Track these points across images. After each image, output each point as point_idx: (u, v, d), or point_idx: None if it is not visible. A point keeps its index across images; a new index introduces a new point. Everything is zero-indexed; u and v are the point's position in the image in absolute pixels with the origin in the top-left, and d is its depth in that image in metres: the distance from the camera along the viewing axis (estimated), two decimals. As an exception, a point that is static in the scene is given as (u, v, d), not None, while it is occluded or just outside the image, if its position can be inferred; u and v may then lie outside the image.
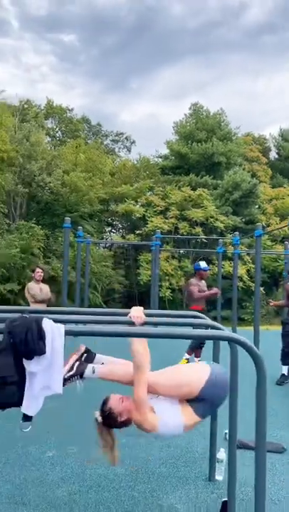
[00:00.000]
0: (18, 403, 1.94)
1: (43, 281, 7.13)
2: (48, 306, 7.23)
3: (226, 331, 2.07)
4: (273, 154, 33.94)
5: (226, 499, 2.59)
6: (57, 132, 30.83)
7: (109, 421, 2.38)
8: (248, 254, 21.43)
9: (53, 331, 1.96)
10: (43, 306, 7.08)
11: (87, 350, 2.54)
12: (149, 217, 22.19)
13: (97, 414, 2.40)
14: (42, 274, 7.03)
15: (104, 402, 2.41)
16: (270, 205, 26.77)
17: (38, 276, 6.97)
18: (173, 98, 54.59)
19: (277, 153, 33.56)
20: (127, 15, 50.29)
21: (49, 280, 18.79)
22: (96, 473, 3.19)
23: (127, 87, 53.27)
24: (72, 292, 16.73)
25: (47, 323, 1.97)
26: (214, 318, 18.14)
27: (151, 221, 21.67)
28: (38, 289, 6.96)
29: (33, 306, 6.93)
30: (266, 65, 55.12)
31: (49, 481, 3.05)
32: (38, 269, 7.05)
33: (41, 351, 1.90)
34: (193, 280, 6.83)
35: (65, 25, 50.67)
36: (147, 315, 2.62)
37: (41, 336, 1.92)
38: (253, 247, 22.54)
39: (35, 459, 3.37)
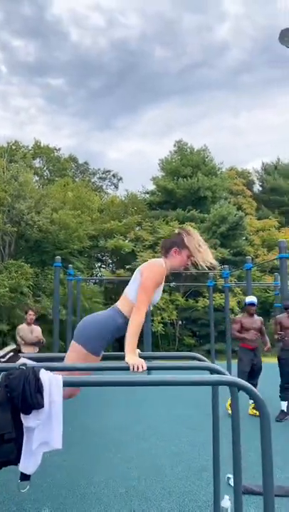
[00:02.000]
0: (16, 461, 1.86)
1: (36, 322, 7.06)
2: (40, 348, 7.10)
3: (229, 376, 2.03)
4: (257, 187, 34.78)
5: None
6: (45, 171, 31.29)
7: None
8: (238, 286, 21.50)
9: (51, 383, 1.91)
10: (33, 349, 6.95)
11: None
12: (138, 252, 22.29)
13: None
14: (34, 317, 6.96)
15: None
16: (257, 237, 27.17)
17: (29, 319, 6.90)
18: (158, 136, 56.28)
19: (261, 186, 34.40)
20: (112, 59, 52.52)
21: (39, 319, 18.58)
22: (96, 528, 3.02)
23: (113, 126, 54.93)
24: (63, 331, 16.42)
25: (44, 374, 1.92)
26: (208, 352, 17.93)
27: (141, 255, 21.75)
28: (28, 331, 6.88)
29: (23, 349, 6.80)
30: (246, 101, 57.47)
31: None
32: (30, 312, 6.98)
33: (39, 405, 1.83)
34: (237, 317, 6.60)
35: (53, 69, 52.65)
36: (144, 357, 2.58)
37: (39, 388, 1.86)
38: (243, 279, 22.67)
39: (30, 515, 3.20)
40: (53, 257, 22.19)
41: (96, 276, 25.74)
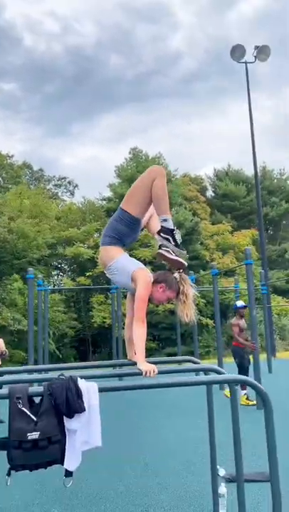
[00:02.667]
0: (61, 460, 2.09)
1: None
2: (2, 360, 7.13)
3: (235, 375, 2.38)
4: (210, 193, 35.96)
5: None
6: (-3, 179, 30.65)
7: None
8: (198, 290, 22.20)
9: (88, 389, 2.16)
10: None
11: None
12: (98, 259, 22.46)
13: None
14: None
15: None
16: (211, 241, 28.12)
17: None
18: (113, 142, 56.66)
19: (214, 192, 35.62)
20: (67, 65, 52.37)
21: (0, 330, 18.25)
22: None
23: (68, 132, 54.67)
24: (23, 342, 16.17)
25: (82, 382, 2.17)
26: (173, 355, 18.29)
27: (101, 263, 21.90)
28: None
29: None
30: (199, 109, 59.21)
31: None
32: None
33: (81, 409, 2.08)
34: (234, 320, 7.41)
35: (6, 74, 51.69)
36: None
37: (79, 394, 2.11)
38: (200, 283, 23.30)
39: (40, 518, 3.38)
40: (11, 267, 21.92)
41: (55, 283, 25.56)
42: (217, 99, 60.39)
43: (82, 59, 53.95)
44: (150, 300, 2.90)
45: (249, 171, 35.17)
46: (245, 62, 21.49)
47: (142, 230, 3.32)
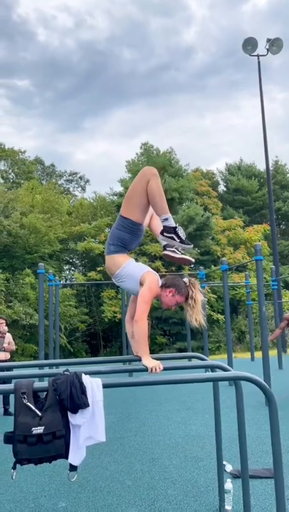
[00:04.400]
0: (65, 455, 2.12)
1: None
2: (11, 354, 7.22)
3: (240, 372, 2.38)
4: (222, 188, 35.72)
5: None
6: (10, 174, 30.87)
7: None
8: (209, 285, 22.12)
9: (92, 385, 2.18)
10: (4, 355, 7.03)
11: None
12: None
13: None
14: (5, 326, 7.10)
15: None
16: (223, 236, 27.97)
17: (1, 328, 6.99)
18: (125, 137, 56.60)
19: (226, 187, 35.36)
20: (80, 60, 52.34)
21: (12, 324, 18.45)
22: (112, 517, 3.30)
23: (80, 127, 54.74)
24: (35, 336, 16.30)
25: (86, 378, 2.18)
26: (184, 350, 18.22)
27: (112, 257, 21.95)
28: None
29: None
30: (211, 103, 58.72)
31: (68, 530, 3.12)
32: (1, 320, 7.08)
33: (85, 405, 2.10)
34: (287, 314, 7.35)
35: (19, 70, 51.91)
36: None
37: (83, 390, 2.13)
38: (211, 277, 23.20)
39: (48, 511, 3.43)
40: (23, 262, 22.11)
41: (67, 278, 25.71)
42: (230, 92, 59.85)
43: (94, 53, 53.91)
44: (159, 302, 2.96)
45: (261, 166, 34.88)
46: (258, 55, 21.21)
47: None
